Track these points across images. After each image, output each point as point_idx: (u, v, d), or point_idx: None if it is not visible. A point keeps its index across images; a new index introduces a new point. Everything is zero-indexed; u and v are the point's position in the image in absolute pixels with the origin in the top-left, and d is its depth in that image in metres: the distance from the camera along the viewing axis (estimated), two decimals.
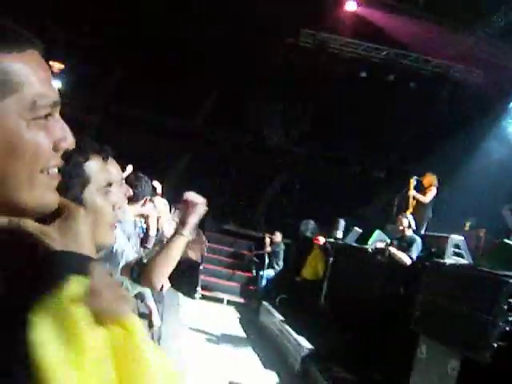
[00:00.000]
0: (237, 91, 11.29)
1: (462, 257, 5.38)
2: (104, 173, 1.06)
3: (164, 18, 9.80)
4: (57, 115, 0.63)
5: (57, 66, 9.95)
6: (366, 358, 5.29)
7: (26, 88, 0.58)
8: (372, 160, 12.31)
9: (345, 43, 10.41)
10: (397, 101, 10.46)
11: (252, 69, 10.44)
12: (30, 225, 0.65)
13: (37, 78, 0.60)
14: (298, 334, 6.28)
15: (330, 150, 12.11)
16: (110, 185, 1.07)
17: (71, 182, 0.90)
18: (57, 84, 9.88)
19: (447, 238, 5.47)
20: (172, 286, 3.25)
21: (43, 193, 0.63)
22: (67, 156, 0.71)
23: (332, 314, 6.71)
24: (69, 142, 0.65)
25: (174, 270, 1.88)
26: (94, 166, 1.04)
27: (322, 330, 6.31)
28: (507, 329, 3.40)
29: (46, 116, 0.61)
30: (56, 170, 0.65)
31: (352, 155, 12.20)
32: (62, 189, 0.69)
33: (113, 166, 1.18)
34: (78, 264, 0.64)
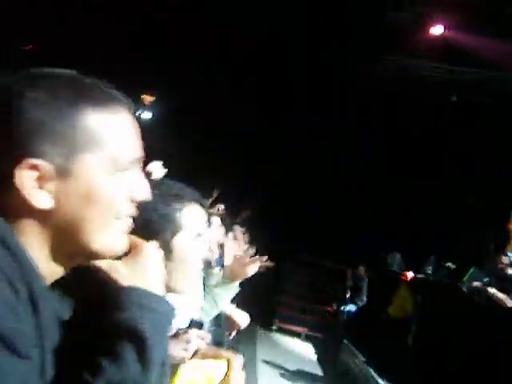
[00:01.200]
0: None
1: None
2: (197, 222, 1.05)
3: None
4: (137, 168, 0.69)
5: (148, 98, 10.57)
6: None
7: (110, 144, 0.65)
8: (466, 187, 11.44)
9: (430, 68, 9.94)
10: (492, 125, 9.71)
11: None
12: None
13: (122, 135, 0.66)
14: (381, 377, 5.82)
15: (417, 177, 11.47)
16: (200, 235, 1.05)
17: (163, 226, 0.91)
18: (147, 115, 10.49)
19: None
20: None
21: (116, 239, 0.68)
22: (164, 200, 0.81)
23: (420, 357, 6.12)
24: (145, 194, 0.70)
25: (251, 301, 1.94)
26: (188, 214, 1.03)
27: (408, 374, 5.77)
28: None
29: (127, 170, 0.67)
30: (130, 219, 0.70)
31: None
32: (154, 231, 0.74)
33: (206, 217, 1.15)
34: (142, 300, 0.67)
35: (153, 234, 0.73)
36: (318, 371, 7.13)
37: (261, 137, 10.89)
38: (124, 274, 0.70)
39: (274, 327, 8.91)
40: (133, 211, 0.69)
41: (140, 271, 0.70)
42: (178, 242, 1.00)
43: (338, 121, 10.82)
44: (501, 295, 4.94)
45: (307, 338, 8.87)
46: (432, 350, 5.76)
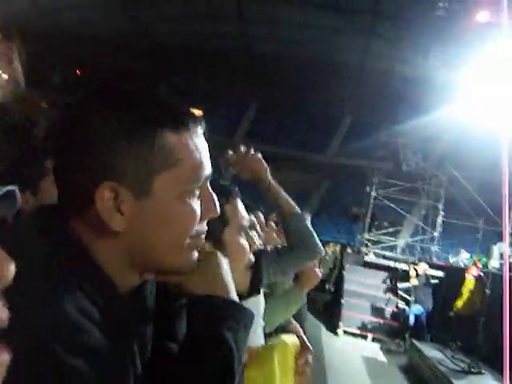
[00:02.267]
0: (365, 121, 11.09)
1: None
2: (241, 215, 1.08)
3: None
4: (207, 186, 0.69)
5: (197, 112, 10.89)
6: None
7: (184, 164, 0.64)
8: None
9: None
10: None
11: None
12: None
13: (195, 154, 0.65)
14: (453, 377, 5.64)
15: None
16: (247, 227, 1.08)
17: (212, 223, 0.94)
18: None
19: None
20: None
21: (188, 257, 0.68)
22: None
23: (491, 353, 5.89)
24: (215, 211, 0.70)
25: (315, 304, 1.90)
26: (232, 208, 1.06)
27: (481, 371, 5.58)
28: None
29: (199, 187, 0.67)
30: (202, 236, 0.70)
31: None
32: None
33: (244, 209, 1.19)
34: (220, 306, 0.69)
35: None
36: (389, 373, 6.98)
37: None
38: (195, 283, 0.71)
39: (340, 331, 8.83)
40: (204, 229, 0.70)
41: (210, 278, 0.72)
42: (228, 236, 1.02)
43: None
44: None
45: (374, 341, 8.73)
46: (502, 345, 5.53)
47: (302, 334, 2.55)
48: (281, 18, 12.52)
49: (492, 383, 5.42)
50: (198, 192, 0.67)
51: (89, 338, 0.55)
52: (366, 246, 12.57)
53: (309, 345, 1.08)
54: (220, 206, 0.89)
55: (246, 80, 16.20)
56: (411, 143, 12.53)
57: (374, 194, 12.87)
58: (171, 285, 0.72)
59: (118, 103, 0.63)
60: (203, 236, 0.70)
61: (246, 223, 1.08)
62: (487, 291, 6.46)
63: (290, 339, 1.05)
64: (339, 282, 10.09)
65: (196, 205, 0.66)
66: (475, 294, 7.13)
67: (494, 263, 6.76)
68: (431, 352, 6.82)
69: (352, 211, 15.69)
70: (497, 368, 5.51)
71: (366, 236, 12.88)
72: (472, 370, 5.92)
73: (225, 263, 0.75)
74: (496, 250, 6.80)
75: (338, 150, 17.39)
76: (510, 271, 6.41)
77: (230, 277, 0.74)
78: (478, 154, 11.78)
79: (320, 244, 1.70)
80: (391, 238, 13.00)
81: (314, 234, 1.68)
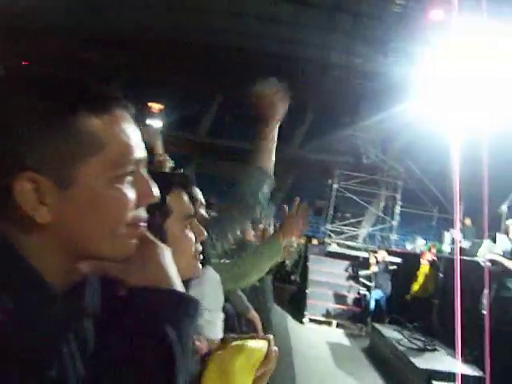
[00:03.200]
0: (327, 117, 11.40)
1: None
2: (185, 205, 1.03)
3: None
4: (142, 171, 0.66)
5: (157, 106, 10.63)
6: (494, 376, 4.90)
7: (109, 148, 0.61)
8: None
9: None
10: None
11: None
12: (107, 264, 0.67)
13: (121, 137, 0.63)
14: (411, 355, 6.02)
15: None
16: (191, 216, 1.04)
17: (153, 213, 0.87)
18: (158, 123, 10.63)
19: None
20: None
21: (123, 244, 0.65)
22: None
23: (445, 331, 6.33)
24: (153, 196, 0.67)
25: (282, 294, 1.89)
26: (175, 198, 1.01)
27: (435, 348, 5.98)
28: None
29: (131, 172, 0.64)
30: (142, 223, 0.67)
31: None
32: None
33: (195, 198, 1.14)
34: (157, 299, 0.65)
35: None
36: (352, 356, 7.30)
37: None
38: (134, 274, 0.67)
39: (305, 319, 9.14)
40: (143, 215, 0.67)
41: (151, 268, 0.68)
42: (170, 226, 0.98)
43: None
44: None
45: (338, 327, 9.08)
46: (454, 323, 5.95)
47: (259, 323, 2.72)
48: (244, 11, 12.61)
49: (445, 358, 5.81)
50: (130, 178, 0.64)
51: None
52: (330, 236, 13.02)
53: (275, 354, 1.02)
54: (162, 196, 0.85)
55: (209, 74, 16.21)
56: (371, 137, 13.03)
57: (336, 186, 13.35)
58: (114, 278, 0.68)
59: (34, 89, 0.59)
60: (143, 224, 0.67)
61: (190, 213, 1.03)
62: (440, 275, 6.88)
63: (258, 344, 1.00)
64: (304, 272, 10.42)
65: (128, 190, 0.63)
66: (430, 277, 7.59)
67: (446, 248, 7.19)
68: (391, 333, 7.17)
69: (316, 204, 16.08)
70: (449, 345, 5.91)
71: (330, 227, 13.34)
72: (427, 347, 6.32)
73: (167, 254, 0.71)
74: (448, 236, 7.23)
75: (301, 145, 17.73)
76: (461, 255, 6.88)
77: (172, 267, 0.70)
78: (433, 147, 12.36)
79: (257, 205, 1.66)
80: (353, 229, 13.51)
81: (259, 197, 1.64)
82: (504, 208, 7.04)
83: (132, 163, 0.64)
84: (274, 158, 1.64)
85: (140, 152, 0.65)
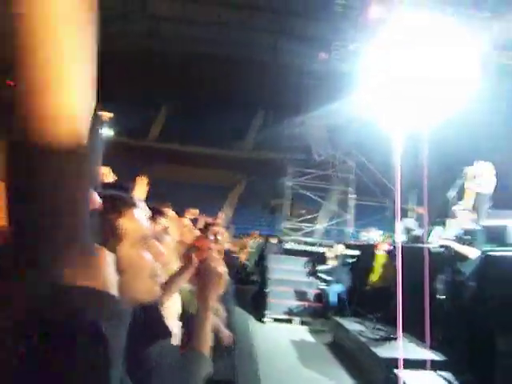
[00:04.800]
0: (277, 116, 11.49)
1: None
2: (139, 227, 1.01)
3: None
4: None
5: (107, 115, 10.46)
6: (455, 359, 5.06)
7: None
8: None
9: None
10: None
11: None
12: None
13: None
14: (373, 345, 6.11)
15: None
16: (145, 238, 1.02)
17: (106, 237, 0.88)
18: (109, 132, 10.41)
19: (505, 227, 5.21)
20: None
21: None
22: (100, 212, 0.79)
23: (405, 319, 6.46)
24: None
25: (244, 296, 1.74)
26: (127, 221, 0.98)
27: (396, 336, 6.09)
28: None
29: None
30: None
31: None
32: (100, 245, 0.73)
33: (149, 218, 1.10)
34: (88, 298, 0.69)
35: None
36: (316, 351, 7.35)
37: None
38: (73, 277, 0.68)
39: (267, 319, 9.12)
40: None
41: (92, 272, 0.71)
42: (124, 250, 0.95)
43: None
44: (464, 248, 5.30)
45: (301, 323, 9.13)
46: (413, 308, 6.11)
47: (221, 326, 2.62)
48: (189, 16, 12.52)
49: (407, 345, 5.94)
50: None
51: None
52: (287, 234, 13.09)
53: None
54: (113, 219, 0.94)
55: (157, 80, 15.98)
56: (321, 134, 13.23)
57: (289, 184, 13.43)
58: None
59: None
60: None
61: (145, 234, 1.01)
62: (395, 263, 7.03)
63: None
64: (264, 272, 10.40)
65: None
66: (387, 267, 7.76)
67: (397, 237, 7.35)
68: (353, 326, 7.29)
69: (271, 203, 16.15)
70: (410, 332, 6.05)
71: (287, 225, 13.41)
72: (390, 336, 6.45)
73: (110, 262, 0.78)
74: (398, 225, 7.40)
75: (253, 146, 17.77)
76: (415, 242, 7.07)
77: (112, 276, 0.76)
78: (381, 140, 12.72)
79: None
80: (310, 225, 13.66)
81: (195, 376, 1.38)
82: (451, 194, 7.30)
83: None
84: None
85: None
